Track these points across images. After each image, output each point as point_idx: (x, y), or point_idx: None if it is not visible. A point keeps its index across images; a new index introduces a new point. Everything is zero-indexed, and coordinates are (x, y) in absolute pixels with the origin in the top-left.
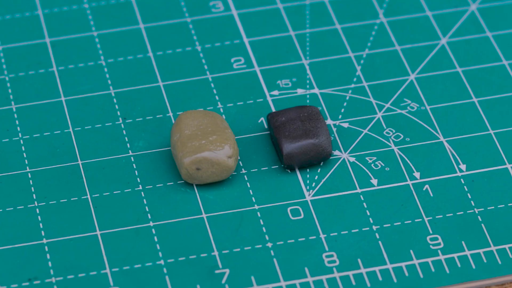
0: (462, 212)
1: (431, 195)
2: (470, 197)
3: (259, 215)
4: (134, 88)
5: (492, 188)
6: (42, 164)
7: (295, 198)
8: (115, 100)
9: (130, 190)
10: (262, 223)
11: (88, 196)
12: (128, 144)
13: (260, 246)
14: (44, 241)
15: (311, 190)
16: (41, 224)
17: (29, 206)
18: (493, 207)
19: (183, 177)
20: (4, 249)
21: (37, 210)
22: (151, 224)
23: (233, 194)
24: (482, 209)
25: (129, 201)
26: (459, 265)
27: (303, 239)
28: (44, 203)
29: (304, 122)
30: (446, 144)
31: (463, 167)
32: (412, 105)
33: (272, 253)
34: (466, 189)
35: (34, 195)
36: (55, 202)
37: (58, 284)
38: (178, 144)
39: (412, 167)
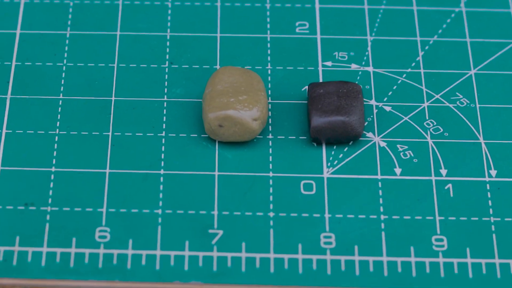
0: (477, 218)
1: (451, 195)
2: (490, 204)
3: (271, 183)
4: (190, 35)
5: None
6: (76, 93)
7: (313, 172)
8: (168, 43)
9: (152, 134)
10: (271, 191)
11: (110, 133)
12: (166, 89)
13: (261, 214)
14: (53, 169)
15: (331, 168)
16: (55, 152)
17: (49, 132)
18: (510, 219)
19: (206, 132)
20: (11, 169)
21: (56, 137)
22: (161, 172)
23: (252, 157)
24: (499, 219)
25: (147, 146)
26: (456, 271)
27: (307, 215)
28: (65, 132)
29: (340, 98)
30: (484, 146)
31: (493, 172)
32: (462, 100)
33: (271, 223)
34: (489, 196)
35: (58, 122)
36: (76, 133)
37: (52, 214)
38: (207, 97)
39: (441, 163)
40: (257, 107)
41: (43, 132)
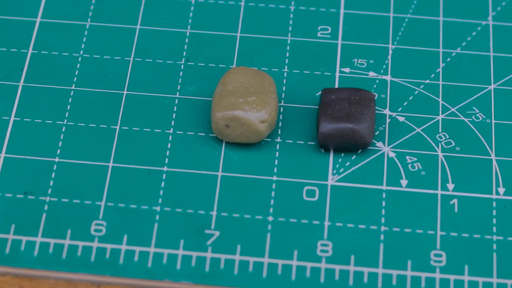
0: (479, 236)
1: (456, 210)
2: (494, 222)
3: (273, 186)
4: (210, 33)
5: None
6: (88, 85)
7: (317, 179)
8: (186, 40)
9: (159, 131)
10: (273, 195)
11: (117, 127)
12: (179, 86)
13: (260, 217)
14: (56, 159)
15: (336, 175)
16: (60, 143)
17: (57, 122)
18: None
19: (213, 131)
20: (14, 157)
21: (63, 128)
22: (165, 169)
23: (257, 159)
24: (502, 237)
25: (153, 142)
26: None
27: (306, 221)
28: (73, 123)
29: (351, 105)
30: (495, 162)
31: (501, 190)
32: (478, 115)
33: (269, 228)
34: (494, 214)
35: (67, 113)
36: (83, 125)
37: (50, 204)
38: (217, 96)
39: (449, 177)
40: (265, 109)
41: (51, 121)
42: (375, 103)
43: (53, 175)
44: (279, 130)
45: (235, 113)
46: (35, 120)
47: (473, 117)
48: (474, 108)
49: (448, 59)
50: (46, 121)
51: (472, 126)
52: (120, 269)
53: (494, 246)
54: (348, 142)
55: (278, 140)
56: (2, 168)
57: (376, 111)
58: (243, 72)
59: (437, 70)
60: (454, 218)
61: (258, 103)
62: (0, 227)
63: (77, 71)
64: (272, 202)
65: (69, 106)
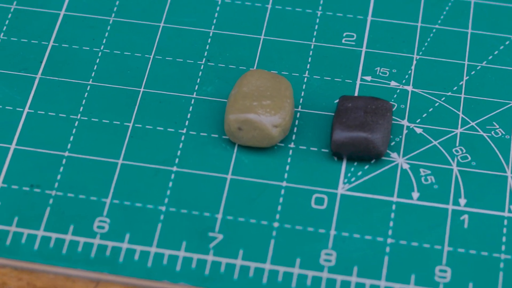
0: (486, 253)
1: (465, 226)
2: (504, 240)
3: (282, 192)
4: (233, 34)
5: None
6: (106, 81)
7: (327, 187)
8: (209, 40)
9: (173, 130)
10: (281, 201)
11: (131, 124)
12: (196, 86)
13: (265, 223)
14: (66, 153)
15: (347, 184)
16: (72, 137)
17: (71, 116)
18: None
19: (226, 133)
20: (24, 149)
21: (76, 123)
22: (174, 169)
23: (268, 164)
24: (510, 256)
25: (165, 141)
26: None
27: (312, 229)
28: (86, 118)
29: (367, 113)
30: (510, 179)
31: None
32: (498, 130)
33: (274, 234)
34: (505, 232)
35: (81, 107)
36: (97, 120)
37: (55, 199)
38: (231, 98)
39: (462, 192)
40: (280, 113)
41: (64, 115)
42: (392, 113)
43: (61, 169)
44: (294, 136)
45: (248, 116)
46: (49, 113)
47: (492, 132)
48: (494, 123)
49: (473, 72)
50: (60, 115)
51: (490, 142)
52: (119, 268)
53: (501, 265)
54: (361, 151)
55: (292, 145)
56: (11, 159)
57: (394, 122)
58: (260, 75)
59: (460, 83)
60: (463, 234)
61: (273, 107)
62: (2, 219)
63: (95, 66)
64: (279, 208)
65: (84, 101)
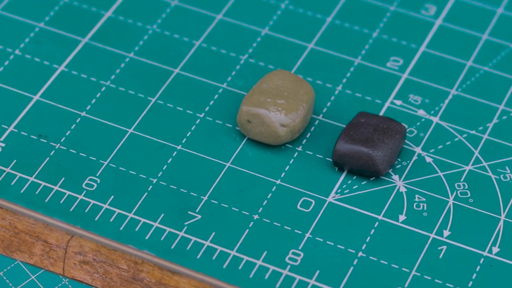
0: (452, 286)
1: (440, 257)
2: (473, 277)
3: (273, 189)
4: (284, 38)
5: (500, 284)
6: (145, 56)
7: (317, 193)
8: (259, 39)
9: (191, 113)
10: (269, 196)
11: (154, 99)
12: (229, 78)
13: (247, 213)
14: (82, 113)
15: (338, 194)
16: (94, 100)
17: (100, 81)
18: None
19: (237, 124)
20: (45, 102)
21: (103, 88)
22: (179, 147)
23: (270, 161)
24: None
25: (180, 121)
26: None
27: (289, 228)
28: (114, 86)
29: (376, 131)
30: (501, 223)
31: (495, 249)
32: (507, 175)
33: (250, 225)
34: (477, 269)
35: (114, 76)
36: (123, 90)
37: (57, 151)
38: (250, 92)
39: (449, 224)
40: (290, 114)
41: (94, 80)
42: (408, 139)
43: (72, 127)
44: (304, 140)
45: (258, 111)
46: (81, 75)
47: (501, 176)
48: (506, 167)
49: (504, 117)
50: (91, 78)
51: (495, 184)
52: (92, 224)
53: None
54: (361, 166)
55: (299, 149)
56: (30, 109)
57: (407, 147)
58: (284, 76)
59: (487, 125)
60: (436, 263)
61: (285, 107)
62: (2, 160)
63: (141, 42)
64: (265, 202)
65: (118, 70)
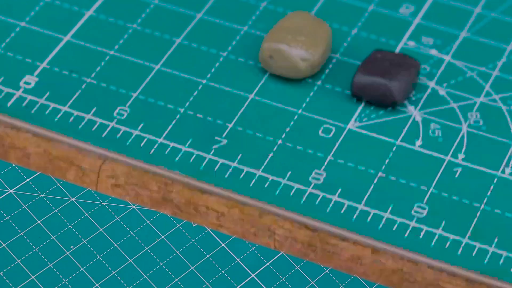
0: (468, 202)
1: (456, 176)
2: (488, 194)
3: (295, 118)
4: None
5: None
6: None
7: (337, 121)
8: None
9: (215, 52)
10: (291, 124)
11: (178, 40)
12: (250, 22)
13: (271, 139)
14: (111, 52)
15: (357, 122)
16: (121, 40)
17: (127, 24)
18: (499, 211)
19: (259, 60)
20: (75, 42)
21: (130, 30)
22: (204, 81)
23: (291, 94)
24: (489, 208)
25: (205, 59)
26: (420, 237)
27: (311, 151)
28: (140, 28)
29: (392, 65)
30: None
31: (507, 170)
32: None
33: (274, 149)
34: (491, 188)
35: (143, 20)
36: (149, 32)
37: (88, 85)
38: (271, 31)
39: (464, 149)
40: (311, 50)
41: (122, 23)
42: (422, 75)
43: (102, 64)
44: (323, 75)
45: (279, 46)
46: (109, 19)
47: (511, 106)
48: None
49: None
50: (118, 22)
51: (506, 114)
52: (123, 148)
53: (478, 214)
54: (379, 96)
55: (319, 83)
56: (61, 49)
57: (421, 82)
58: (304, 17)
59: (497, 62)
60: (452, 182)
61: (305, 43)
62: (35, 92)
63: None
64: (288, 129)
65: (144, 15)
